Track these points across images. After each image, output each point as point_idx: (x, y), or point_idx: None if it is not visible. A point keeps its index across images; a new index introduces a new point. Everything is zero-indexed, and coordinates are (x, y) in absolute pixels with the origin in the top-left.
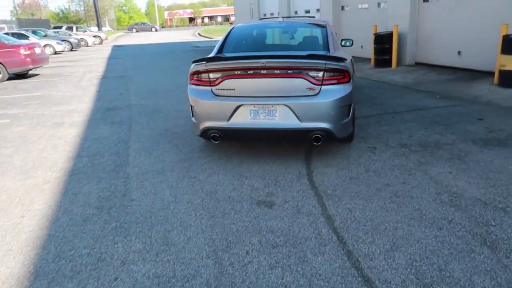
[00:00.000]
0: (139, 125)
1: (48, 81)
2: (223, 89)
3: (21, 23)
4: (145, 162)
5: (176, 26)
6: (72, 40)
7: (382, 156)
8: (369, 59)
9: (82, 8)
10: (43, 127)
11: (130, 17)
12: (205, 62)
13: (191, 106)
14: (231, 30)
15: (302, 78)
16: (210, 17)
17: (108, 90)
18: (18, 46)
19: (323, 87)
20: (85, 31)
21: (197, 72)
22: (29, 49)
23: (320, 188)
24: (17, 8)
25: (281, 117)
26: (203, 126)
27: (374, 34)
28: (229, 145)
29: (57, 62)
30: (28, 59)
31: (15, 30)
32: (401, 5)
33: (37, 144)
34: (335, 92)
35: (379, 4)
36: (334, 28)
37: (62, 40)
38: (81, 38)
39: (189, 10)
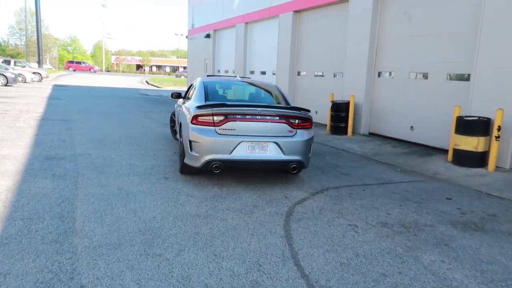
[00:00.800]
0: (87, 180)
1: None
2: (226, 129)
3: None
4: (97, 231)
5: (122, 72)
6: (8, 74)
7: (366, 236)
8: (324, 125)
9: (23, 42)
10: None
11: (74, 57)
12: (211, 108)
13: (191, 142)
14: (203, 83)
15: (285, 123)
16: (158, 67)
17: (48, 135)
18: None
19: (298, 130)
20: (24, 66)
21: (202, 115)
22: None
23: (311, 277)
24: None
25: (271, 151)
26: (206, 159)
27: (332, 102)
28: (195, 213)
29: None
30: None
31: None
32: (357, 76)
33: None
34: (305, 134)
35: (334, 74)
36: (290, 92)
37: None
38: (18, 73)
39: (137, 57)
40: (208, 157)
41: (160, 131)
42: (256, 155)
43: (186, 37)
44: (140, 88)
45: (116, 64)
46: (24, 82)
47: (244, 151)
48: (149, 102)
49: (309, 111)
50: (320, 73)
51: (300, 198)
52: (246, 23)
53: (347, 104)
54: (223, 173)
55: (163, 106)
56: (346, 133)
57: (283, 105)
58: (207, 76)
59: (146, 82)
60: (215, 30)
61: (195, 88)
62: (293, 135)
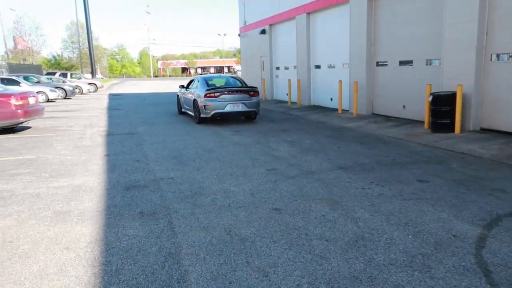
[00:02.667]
0: (184, 220)
1: (42, 137)
2: (221, 98)
3: (12, 68)
4: None
5: (169, 76)
6: (66, 87)
7: None
8: (417, 122)
9: (75, 55)
10: (39, 221)
11: (123, 66)
12: (213, 89)
13: (204, 106)
14: (203, 78)
15: (246, 94)
16: (203, 68)
17: (120, 155)
18: (8, 96)
19: (252, 97)
20: (80, 78)
21: (209, 93)
22: (21, 99)
23: None
24: (9, 53)
25: (242, 107)
26: (212, 112)
27: (432, 94)
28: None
29: (52, 112)
30: (19, 110)
31: (5, 75)
32: (463, 62)
33: (29, 261)
34: (255, 98)
35: (428, 62)
36: (367, 85)
37: (56, 87)
38: (76, 85)
39: (182, 61)
40: (214, 111)
41: (236, 140)
42: (235, 109)
43: (238, 35)
44: None
45: (163, 69)
46: (81, 94)
47: (229, 108)
48: None
49: (256, 87)
50: (408, 61)
51: (476, 236)
52: (308, 13)
53: (451, 96)
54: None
55: None
56: (451, 130)
57: (244, 86)
58: (199, 75)
59: None
60: (271, 25)
61: (198, 81)
62: (250, 99)
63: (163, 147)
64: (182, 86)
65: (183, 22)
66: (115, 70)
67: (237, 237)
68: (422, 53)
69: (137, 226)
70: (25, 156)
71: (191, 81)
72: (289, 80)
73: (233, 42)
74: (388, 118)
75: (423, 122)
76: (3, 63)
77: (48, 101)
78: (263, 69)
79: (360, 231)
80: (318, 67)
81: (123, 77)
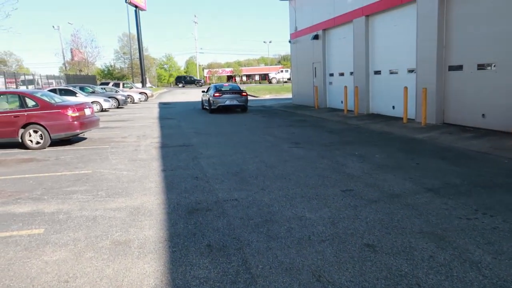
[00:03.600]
0: (260, 257)
1: (97, 149)
2: (222, 97)
3: (69, 79)
4: None
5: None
6: (119, 97)
7: None
8: (500, 132)
9: (126, 65)
10: (97, 253)
11: (170, 75)
12: (219, 92)
13: (213, 101)
14: (214, 86)
15: (239, 94)
16: (248, 76)
17: (176, 170)
18: (66, 107)
19: (243, 96)
20: (132, 88)
21: (216, 94)
22: (78, 110)
23: None
24: (66, 64)
25: (235, 102)
26: (218, 105)
27: None
28: None
29: (105, 122)
30: (76, 122)
31: (62, 86)
32: None
33: None
34: (245, 97)
35: None
36: (438, 93)
37: (109, 97)
38: (127, 95)
39: (228, 69)
40: (218, 104)
41: (298, 154)
42: (231, 103)
43: (289, 41)
44: None
45: (209, 77)
46: (133, 103)
47: (228, 102)
48: (258, 115)
49: (245, 90)
50: (489, 64)
51: None
52: (367, 16)
53: None
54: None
55: (277, 119)
56: None
57: (238, 89)
58: (212, 84)
59: None
60: (324, 30)
61: (212, 88)
62: (241, 97)
63: (221, 162)
64: (203, 91)
65: (229, 30)
66: (163, 79)
67: (331, 286)
68: (508, 54)
69: (206, 264)
70: (81, 171)
71: (208, 88)
72: (345, 87)
73: (278, 49)
74: (463, 128)
75: (508, 133)
76: (61, 74)
77: (102, 110)
78: (315, 76)
79: (489, 283)
80: (377, 72)
81: (171, 86)
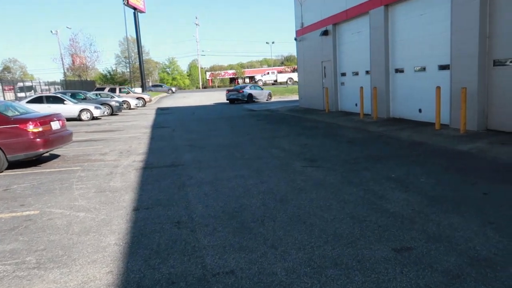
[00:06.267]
0: None
1: (64, 172)
2: (229, 94)
3: (68, 84)
4: None
5: (218, 86)
6: (113, 103)
7: None
8: None
9: (128, 70)
10: None
11: (173, 78)
12: (229, 91)
13: (226, 95)
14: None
15: (238, 91)
16: (251, 78)
17: (153, 208)
18: (25, 121)
19: (240, 92)
20: (129, 93)
21: (227, 91)
22: (41, 124)
23: None
24: (68, 70)
25: (235, 96)
26: (228, 98)
27: None
28: None
29: (90, 133)
30: (38, 139)
31: (50, 93)
32: None
33: None
34: (241, 93)
35: None
36: (479, 92)
37: (102, 104)
38: (123, 101)
39: (230, 71)
40: (228, 97)
41: (315, 177)
42: (234, 97)
43: (295, 39)
44: (241, 103)
45: (211, 80)
46: (129, 109)
47: (233, 96)
48: (263, 121)
49: (242, 88)
50: None
51: None
52: (386, 5)
53: None
54: None
55: (284, 126)
56: None
57: (238, 87)
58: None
59: None
60: (335, 24)
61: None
62: (240, 93)
63: (215, 192)
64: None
65: (231, 32)
66: (166, 83)
67: None
68: None
69: None
70: (25, 212)
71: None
72: (361, 88)
73: (281, 50)
74: None
75: None
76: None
77: (93, 118)
78: (325, 76)
79: None
80: (400, 71)
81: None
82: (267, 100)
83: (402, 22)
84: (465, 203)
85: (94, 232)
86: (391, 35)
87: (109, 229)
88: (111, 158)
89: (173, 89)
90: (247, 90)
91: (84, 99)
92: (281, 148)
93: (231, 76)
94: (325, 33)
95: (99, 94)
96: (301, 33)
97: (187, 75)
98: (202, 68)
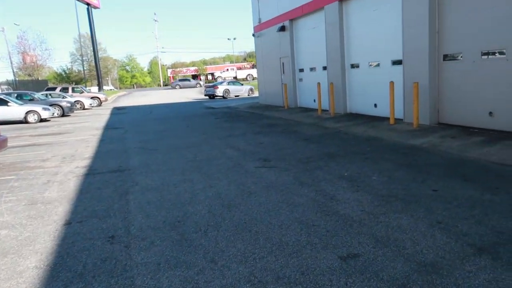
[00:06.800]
0: None
1: None
2: (206, 90)
3: (19, 85)
4: None
5: None
6: (63, 104)
7: None
8: None
9: (85, 68)
10: None
11: (133, 76)
12: (207, 86)
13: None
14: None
15: (214, 87)
16: (212, 74)
17: (88, 220)
18: None
19: (216, 89)
20: (82, 92)
21: (206, 87)
22: None
23: None
24: (17, 69)
25: (211, 92)
26: (205, 93)
27: None
28: None
29: (35, 137)
30: None
31: None
32: None
33: None
34: (217, 89)
35: None
36: (430, 87)
37: (51, 105)
38: (76, 101)
39: (192, 68)
40: (205, 93)
41: (269, 178)
42: (210, 93)
43: (253, 35)
44: (202, 100)
45: (173, 77)
46: (83, 109)
47: (210, 92)
48: (221, 119)
49: (217, 85)
50: (500, 52)
51: None
52: (340, 1)
53: None
54: None
55: (242, 124)
56: None
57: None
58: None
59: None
60: (291, 20)
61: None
62: (215, 89)
63: (159, 200)
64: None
65: (192, 29)
66: (126, 81)
67: None
68: None
69: None
70: None
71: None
72: (319, 84)
73: (243, 46)
74: (466, 129)
75: None
76: (16, 79)
77: (41, 120)
78: (284, 72)
79: None
80: (355, 66)
81: (133, 88)
82: (248, 95)
83: (356, 18)
84: (415, 202)
85: (13, 254)
86: (346, 31)
87: (32, 249)
88: (52, 164)
89: (201, 82)
90: (224, 86)
91: (32, 100)
92: (236, 147)
93: (193, 73)
94: (282, 28)
95: (50, 94)
96: (259, 29)
97: (148, 73)
98: (163, 65)
